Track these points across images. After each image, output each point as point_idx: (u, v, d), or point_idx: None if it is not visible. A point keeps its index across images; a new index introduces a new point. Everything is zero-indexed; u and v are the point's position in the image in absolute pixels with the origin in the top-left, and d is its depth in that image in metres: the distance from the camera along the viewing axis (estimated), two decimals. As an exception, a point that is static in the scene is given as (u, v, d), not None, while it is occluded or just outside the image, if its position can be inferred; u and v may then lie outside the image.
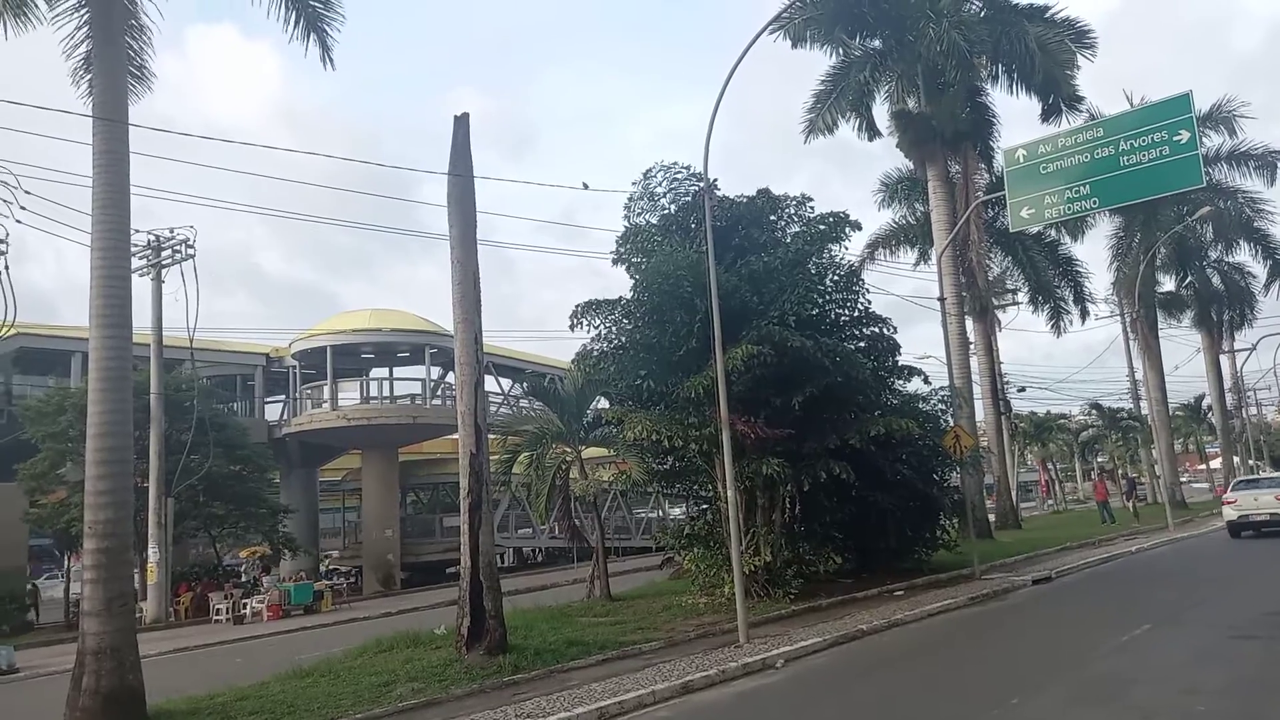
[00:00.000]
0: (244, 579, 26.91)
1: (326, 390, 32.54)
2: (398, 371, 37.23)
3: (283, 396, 36.10)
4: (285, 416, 35.13)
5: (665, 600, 16.29)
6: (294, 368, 33.98)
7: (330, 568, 35.53)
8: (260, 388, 35.45)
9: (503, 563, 36.76)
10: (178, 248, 25.37)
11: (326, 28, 12.58)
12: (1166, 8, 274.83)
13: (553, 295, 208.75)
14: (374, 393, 34.70)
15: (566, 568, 31.09)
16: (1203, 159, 20.33)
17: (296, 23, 12.52)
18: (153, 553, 24.18)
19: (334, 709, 9.45)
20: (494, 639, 11.09)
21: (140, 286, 23.98)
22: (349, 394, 33.52)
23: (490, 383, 36.88)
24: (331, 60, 12.76)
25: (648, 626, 13.66)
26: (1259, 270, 41.23)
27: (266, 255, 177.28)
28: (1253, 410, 62.69)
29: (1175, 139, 18.38)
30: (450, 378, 31.12)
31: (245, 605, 24.11)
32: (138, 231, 25.39)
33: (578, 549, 28.13)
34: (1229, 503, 24.89)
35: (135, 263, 26.00)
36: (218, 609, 24.17)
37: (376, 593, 31.58)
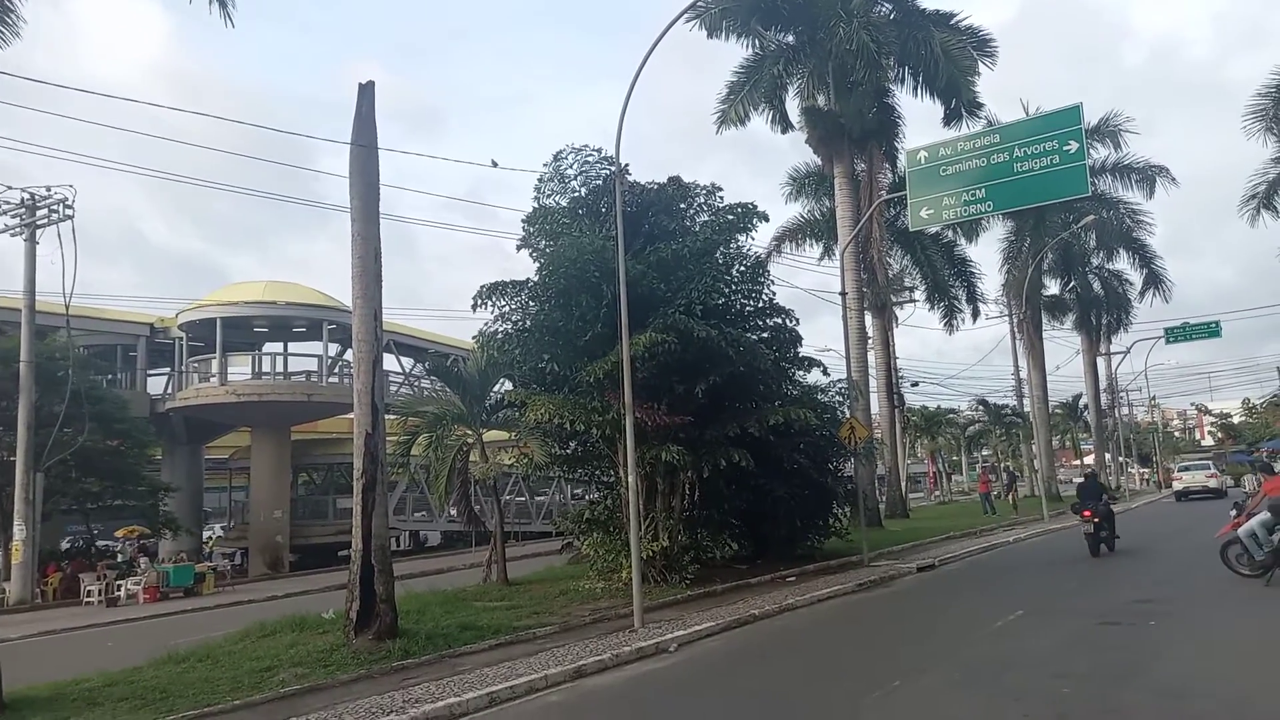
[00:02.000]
0: (119, 559, 25.62)
1: (215, 364, 31.17)
2: (294, 347, 36.00)
3: (168, 369, 34.42)
4: (170, 390, 33.53)
5: (562, 585, 16.25)
6: (180, 339, 32.46)
7: (213, 548, 34.14)
8: (143, 359, 33.74)
9: (398, 546, 36.08)
10: (54, 207, 23.85)
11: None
12: (1059, 23, 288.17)
13: (458, 274, 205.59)
14: (267, 368, 33.46)
15: (464, 552, 30.72)
16: (1089, 169, 21.36)
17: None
18: (18, 530, 22.77)
19: (210, 695, 9.06)
20: (384, 623, 10.84)
21: (11, 247, 22.48)
22: (240, 369, 32.25)
23: (391, 362, 36.09)
24: (231, 19, 12.14)
25: (543, 611, 13.60)
26: (1136, 278, 43.90)
27: (150, 223, 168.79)
28: (1125, 410, 66.71)
29: (1065, 149, 19.22)
30: (348, 355, 30.25)
31: (120, 587, 22.98)
32: (9, 188, 23.82)
33: (476, 533, 27.80)
34: (1177, 479, 41.92)
35: (6, 221, 24.39)
36: (89, 591, 22.97)
37: (263, 575, 30.55)
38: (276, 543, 32.09)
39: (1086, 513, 17.84)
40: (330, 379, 33.14)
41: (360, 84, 12.08)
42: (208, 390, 31.17)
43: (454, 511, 25.81)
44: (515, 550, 25.76)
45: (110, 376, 32.92)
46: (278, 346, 35.74)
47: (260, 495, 32.99)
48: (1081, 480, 20.83)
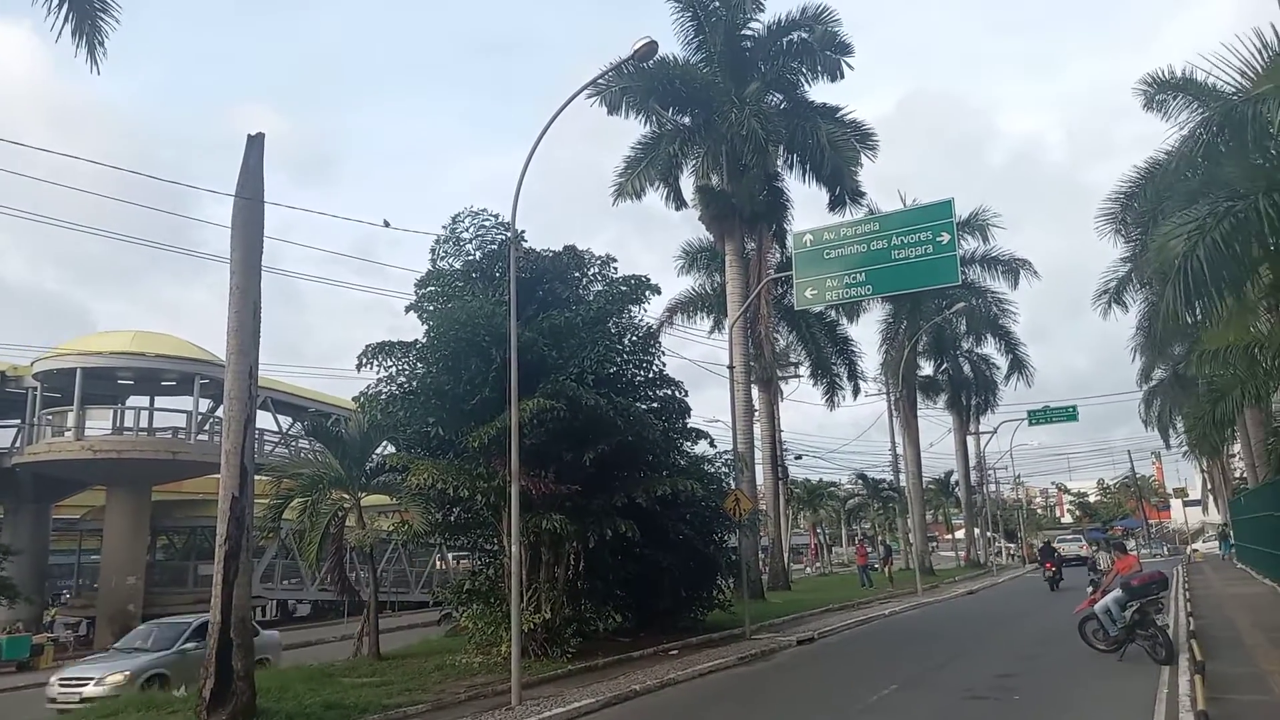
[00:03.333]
0: (-57, 630, 23.26)
1: (72, 417, 29.09)
2: (163, 402, 33.99)
3: (18, 421, 31.92)
4: (18, 444, 31.06)
5: (438, 659, 15.63)
6: (34, 389, 30.22)
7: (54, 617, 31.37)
8: (-11, 409, 31.21)
9: (264, 616, 34.03)
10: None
11: (101, 22, 11.50)
12: (932, 121, 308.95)
13: (344, 331, 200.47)
14: (130, 423, 31.41)
15: (335, 623, 29.20)
16: (960, 260, 22.74)
17: (66, 15, 11.37)
18: None
19: (37, 785, 8.23)
20: (241, 702, 10.13)
21: None
22: (99, 423, 30.16)
23: (267, 420, 34.58)
24: (98, 63, 11.65)
25: (416, 688, 13.00)
26: (1002, 362, 46.67)
27: (7, 261, 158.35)
28: (992, 487, 69.91)
29: (938, 239, 20.46)
30: (220, 412, 28.79)
31: (-59, 661, 20.80)
32: None
33: (350, 603, 26.52)
34: (1058, 547, 44.74)
35: None
36: (-96, 665, 20.68)
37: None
38: (127, 611, 29.73)
39: (1049, 564, 29.51)
40: (200, 436, 31.40)
41: (249, 135, 11.79)
42: (61, 445, 29.04)
43: (326, 579, 24.56)
44: (391, 621, 24.65)
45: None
46: (145, 400, 33.72)
47: (113, 559, 30.63)
48: (1042, 546, 35.35)
